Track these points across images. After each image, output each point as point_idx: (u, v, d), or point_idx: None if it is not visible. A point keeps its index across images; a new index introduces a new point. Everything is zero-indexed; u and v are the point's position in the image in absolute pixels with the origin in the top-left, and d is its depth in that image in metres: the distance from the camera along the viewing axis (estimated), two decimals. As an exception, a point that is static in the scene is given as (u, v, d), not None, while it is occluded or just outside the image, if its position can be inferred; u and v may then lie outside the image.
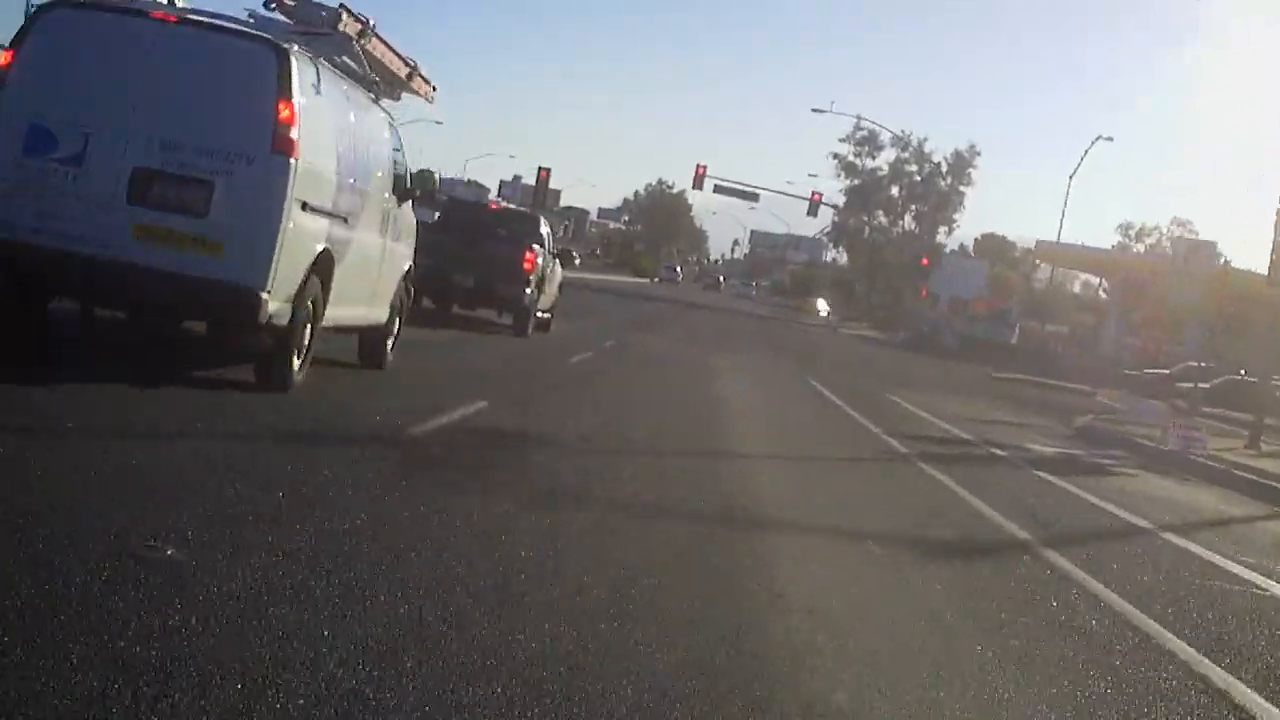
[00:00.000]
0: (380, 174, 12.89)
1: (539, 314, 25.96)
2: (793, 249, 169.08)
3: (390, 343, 14.39)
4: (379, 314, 13.71)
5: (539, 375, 18.49)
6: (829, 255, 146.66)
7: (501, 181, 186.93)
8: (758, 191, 76.10)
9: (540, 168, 74.47)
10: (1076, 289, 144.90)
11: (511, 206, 29.06)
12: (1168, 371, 54.12)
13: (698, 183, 73.91)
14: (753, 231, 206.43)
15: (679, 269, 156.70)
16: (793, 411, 20.59)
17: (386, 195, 13.26)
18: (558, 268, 27.93)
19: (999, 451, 18.24)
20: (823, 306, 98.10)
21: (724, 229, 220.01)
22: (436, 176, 14.70)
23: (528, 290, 24.02)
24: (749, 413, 18.83)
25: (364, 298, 13.00)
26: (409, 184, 14.24)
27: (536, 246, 24.51)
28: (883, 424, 19.08)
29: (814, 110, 72.27)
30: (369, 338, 14.01)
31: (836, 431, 17.99)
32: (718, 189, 75.07)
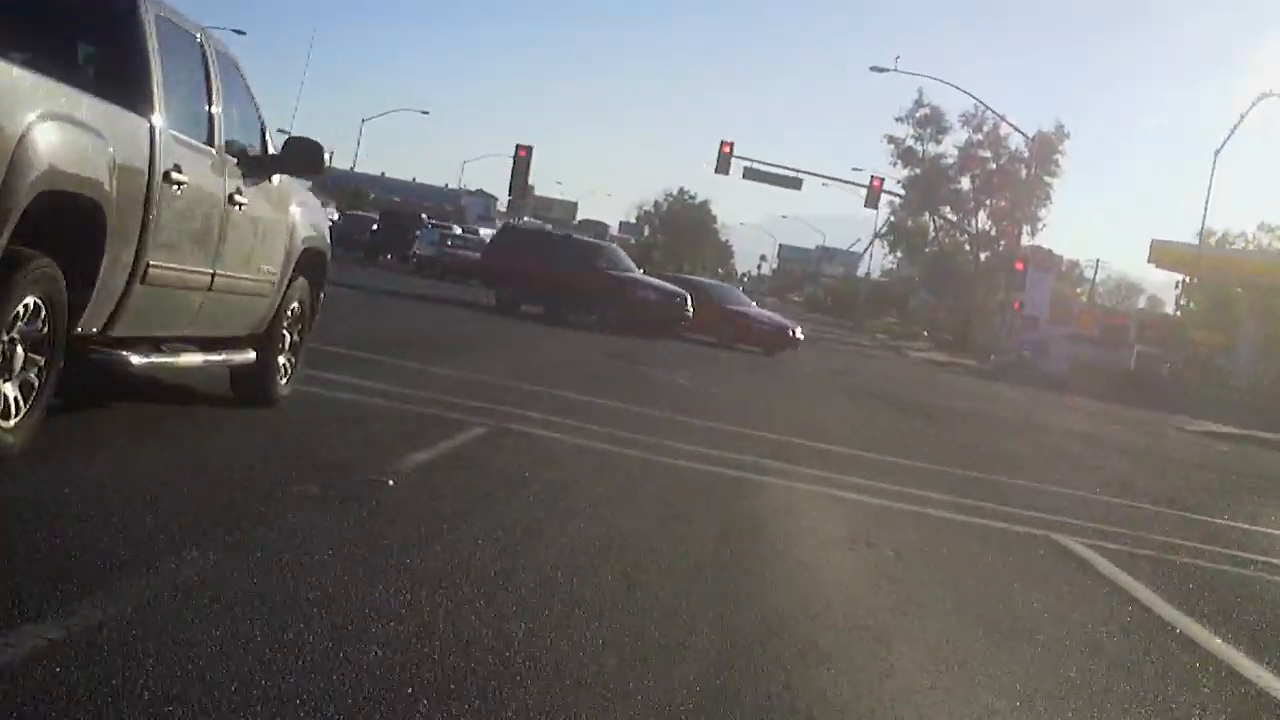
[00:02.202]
0: None
1: (134, 358, 6.58)
2: (826, 261, 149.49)
3: None
4: None
5: None
6: (863, 269, 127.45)
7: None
8: (799, 176, 56.97)
9: (519, 146, 55.27)
10: (1141, 304, 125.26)
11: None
12: None
13: (723, 165, 54.54)
14: (781, 245, 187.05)
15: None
16: None
17: None
18: (290, 204, 8.47)
19: None
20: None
21: (751, 244, 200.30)
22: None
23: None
24: None
25: None
26: None
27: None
28: None
29: (874, 69, 52.74)
30: None
31: None
32: (748, 173, 55.75)
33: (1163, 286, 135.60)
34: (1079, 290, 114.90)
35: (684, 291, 30.28)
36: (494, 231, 64.29)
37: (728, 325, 32.17)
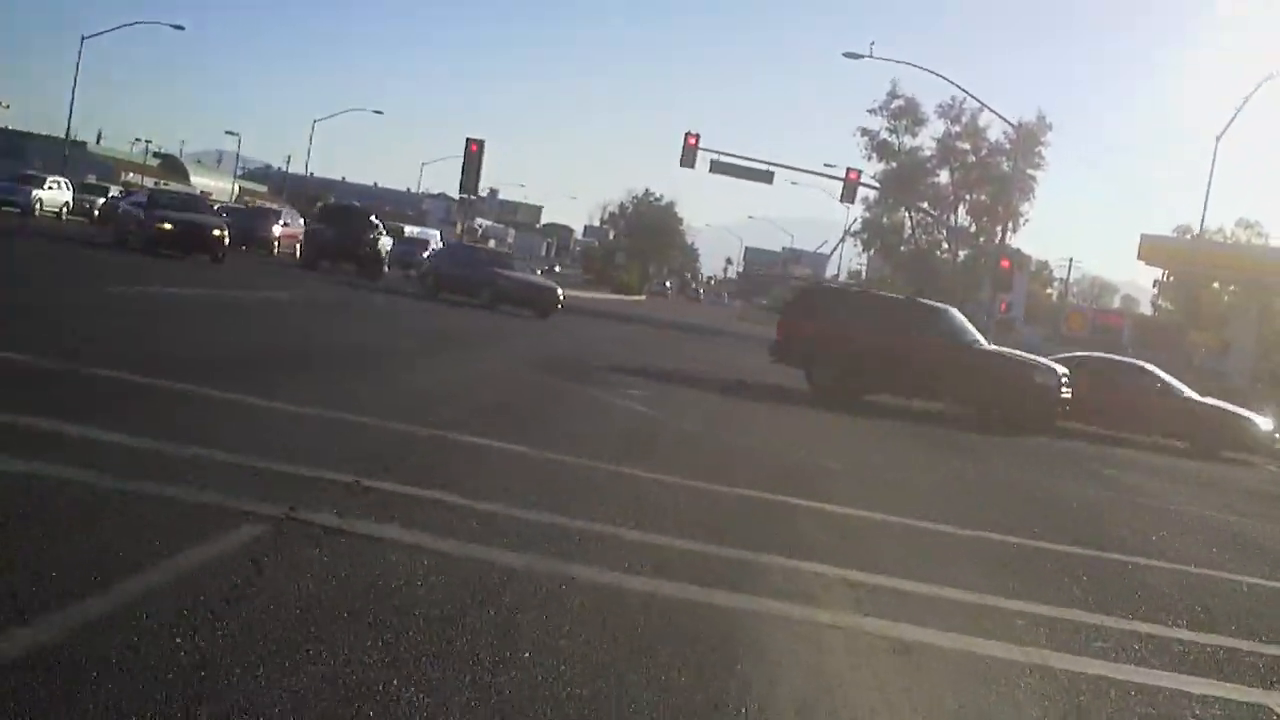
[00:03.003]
0: None
1: None
2: (793, 263, 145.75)
3: None
4: None
5: None
6: (831, 269, 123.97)
7: (478, 198, 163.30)
8: (769, 169, 52.72)
9: (470, 140, 50.89)
10: (1115, 303, 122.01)
11: None
12: None
13: (688, 159, 50.35)
14: (747, 248, 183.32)
15: (668, 284, 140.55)
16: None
17: None
18: None
19: None
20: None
21: (717, 246, 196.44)
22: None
23: None
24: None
25: None
26: None
27: None
28: None
29: (848, 56, 48.60)
30: None
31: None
32: (715, 167, 51.48)
33: (1135, 286, 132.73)
34: (1048, 290, 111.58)
35: (1064, 369, 21.52)
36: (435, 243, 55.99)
37: (1204, 425, 22.99)
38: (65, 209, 49.92)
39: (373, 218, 44.01)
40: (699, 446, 11.42)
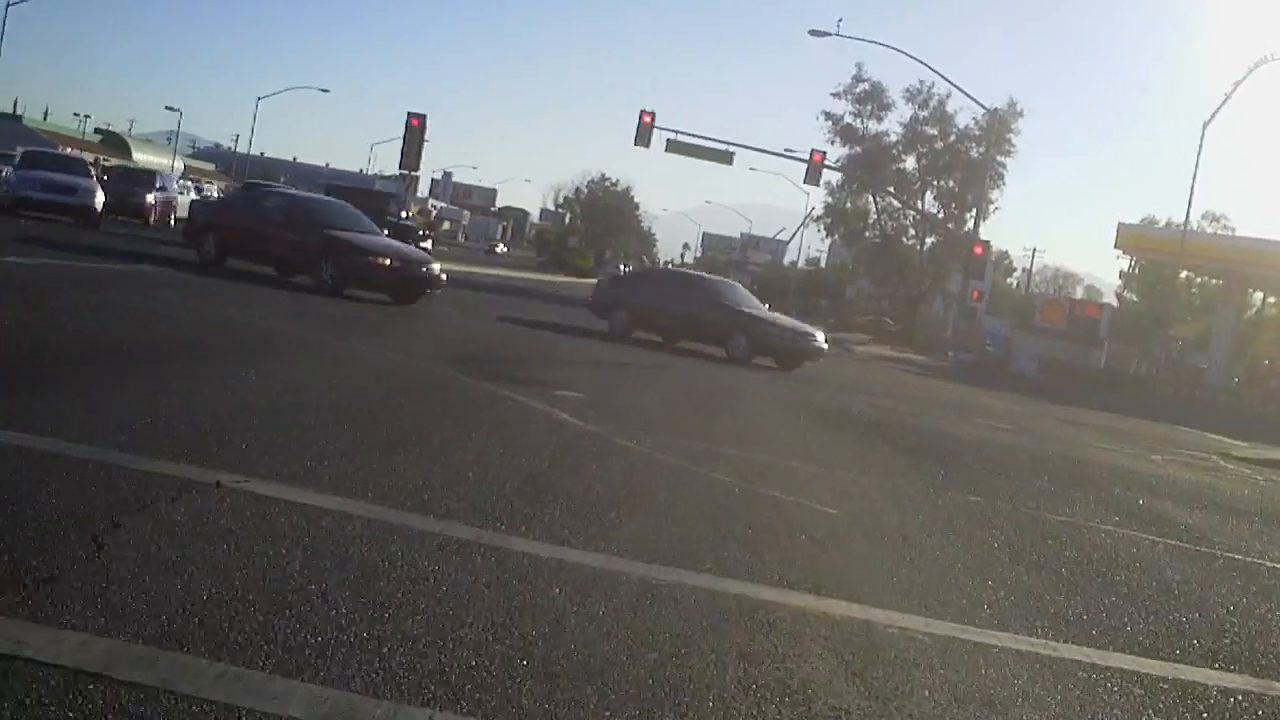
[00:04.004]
0: None
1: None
2: (751, 249, 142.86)
3: None
4: None
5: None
6: (790, 256, 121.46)
7: (433, 180, 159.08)
8: (729, 150, 49.39)
9: (411, 114, 47.31)
10: (1079, 294, 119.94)
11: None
12: None
13: (643, 137, 47.11)
14: (704, 234, 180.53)
15: (623, 268, 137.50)
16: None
17: None
18: None
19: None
20: None
21: (674, 232, 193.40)
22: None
23: None
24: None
25: None
26: None
27: None
28: None
29: (813, 34, 45.61)
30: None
31: None
32: (671, 146, 48.23)
33: (1095, 278, 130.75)
34: (1009, 280, 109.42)
35: None
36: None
37: None
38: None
39: (405, 214, 34.41)
40: (641, 483, 8.20)
